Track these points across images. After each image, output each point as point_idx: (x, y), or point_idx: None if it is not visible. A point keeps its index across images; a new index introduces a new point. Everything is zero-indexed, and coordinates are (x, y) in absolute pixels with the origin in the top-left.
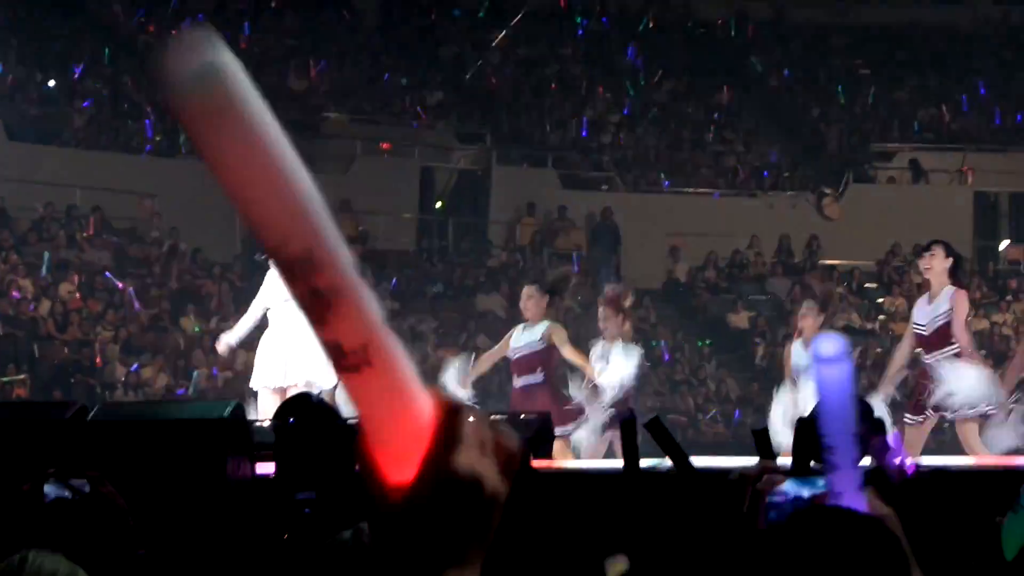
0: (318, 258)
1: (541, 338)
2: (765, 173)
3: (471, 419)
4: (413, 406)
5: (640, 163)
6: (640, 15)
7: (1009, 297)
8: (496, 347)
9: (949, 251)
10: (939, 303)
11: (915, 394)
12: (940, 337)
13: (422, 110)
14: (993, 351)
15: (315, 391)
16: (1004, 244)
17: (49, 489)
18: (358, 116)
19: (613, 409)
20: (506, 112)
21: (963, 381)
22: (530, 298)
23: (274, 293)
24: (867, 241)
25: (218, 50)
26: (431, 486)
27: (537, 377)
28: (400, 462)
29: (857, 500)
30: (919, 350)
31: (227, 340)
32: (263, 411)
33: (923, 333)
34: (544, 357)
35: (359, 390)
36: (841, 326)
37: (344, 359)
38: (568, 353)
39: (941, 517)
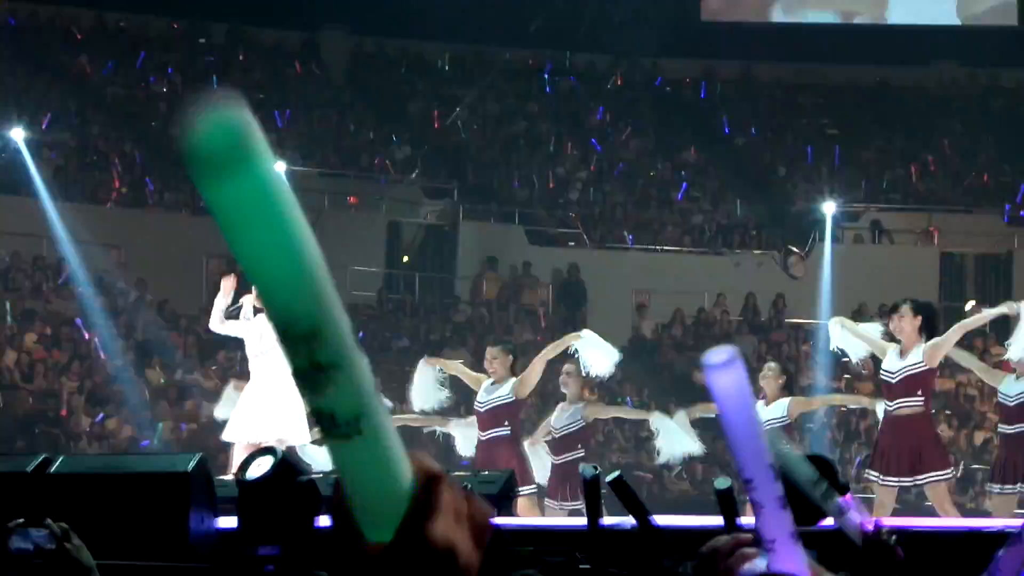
0: (324, 335)
1: (510, 392)
2: (732, 231)
3: (448, 488)
4: (395, 473)
5: (607, 220)
6: (608, 73)
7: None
8: (468, 372)
9: (917, 309)
10: (912, 356)
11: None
12: (906, 388)
13: (390, 164)
14: (959, 411)
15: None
16: (970, 304)
17: (14, 541)
18: (326, 170)
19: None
20: (473, 167)
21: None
22: (495, 359)
23: (253, 344)
24: (833, 300)
25: (237, 108)
26: (407, 552)
27: (504, 430)
28: (378, 525)
29: (792, 554)
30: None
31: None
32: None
33: (891, 381)
34: (512, 410)
35: (345, 458)
36: (807, 385)
37: (335, 429)
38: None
39: None
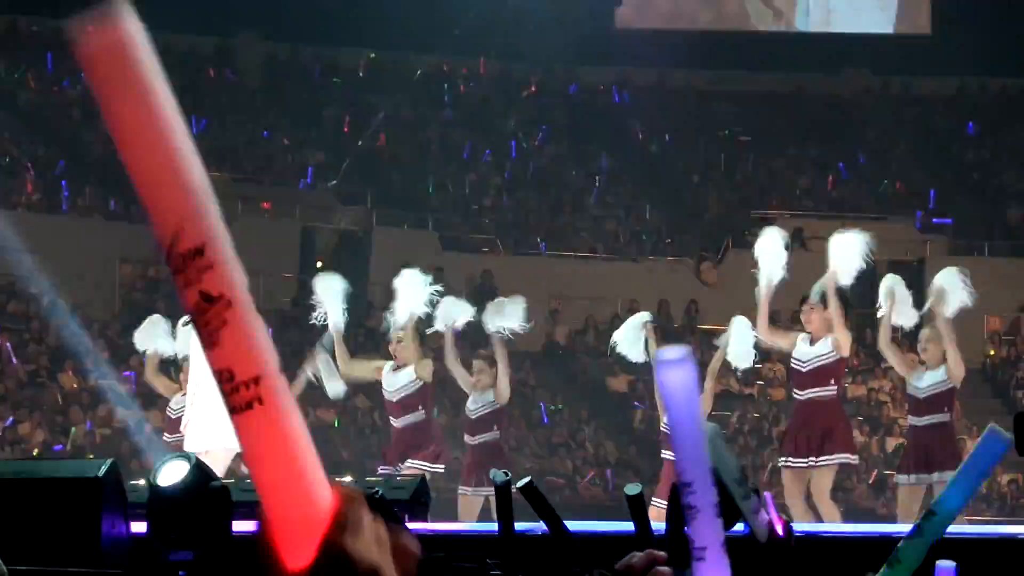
0: (211, 257)
1: (416, 377)
2: (645, 237)
3: (367, 511)
4: (308, 476)
5: (520, 226)
6: (523, 80)
7: (885, 364)
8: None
9: (825, 302)
10: (822, 345)
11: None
12: (816, 377)
13: (307, 171)
14: (869, 418)
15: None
16: (882, 311)
17: None
18: (239, 175)
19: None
20: (388, 174)
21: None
22: (399, 342)
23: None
24: (746, 307)
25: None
26: (329, 573)
27: (420, 415)
28: (296, 545)
29: (721, 564)
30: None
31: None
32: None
33: (800, 369)
34: (423, 394)
35: (252, 437)
36: (719, 391)
37: (235, 392)
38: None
39: None
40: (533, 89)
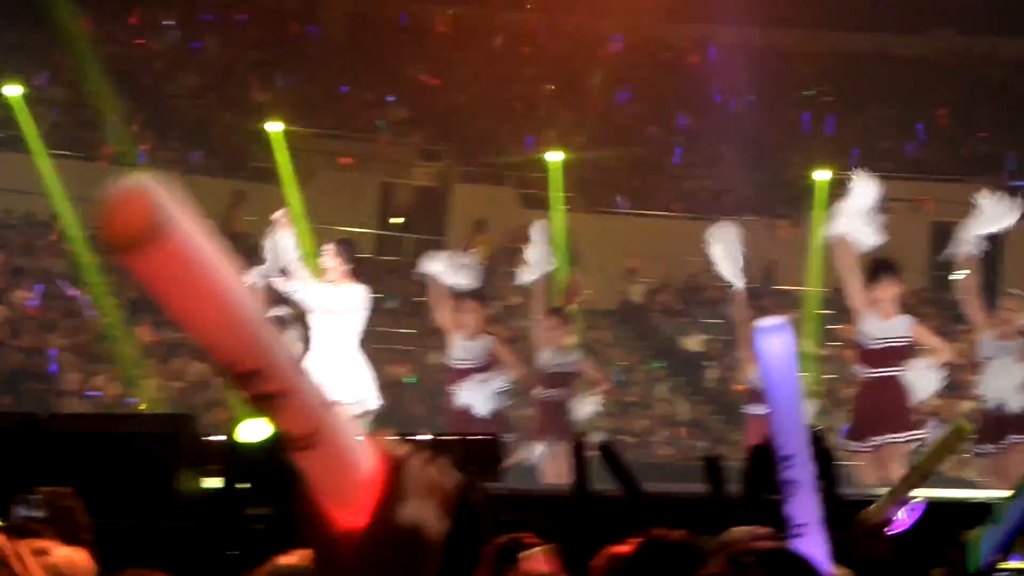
0: (266, 372)
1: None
2: (725, 197)
3: (413, 465)
4: (359, 466)
5: (598, 184)
6: (605, 37)
7: (961, 326)
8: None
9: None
10: (895, 325)
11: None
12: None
13: (385, 125)
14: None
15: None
16: (961, 274)
17: (15, 511)
18: (320, 131)
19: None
20: (468, 130)
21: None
22: (472, 311)
23: (316, 315)
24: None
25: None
26: (379, 540)
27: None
28: (347, 512)
29: (819, 541)
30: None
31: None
32: None
33: (875, 348)
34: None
35: (309, 464)
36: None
37: (295, 443)
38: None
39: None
40: (615, 47)
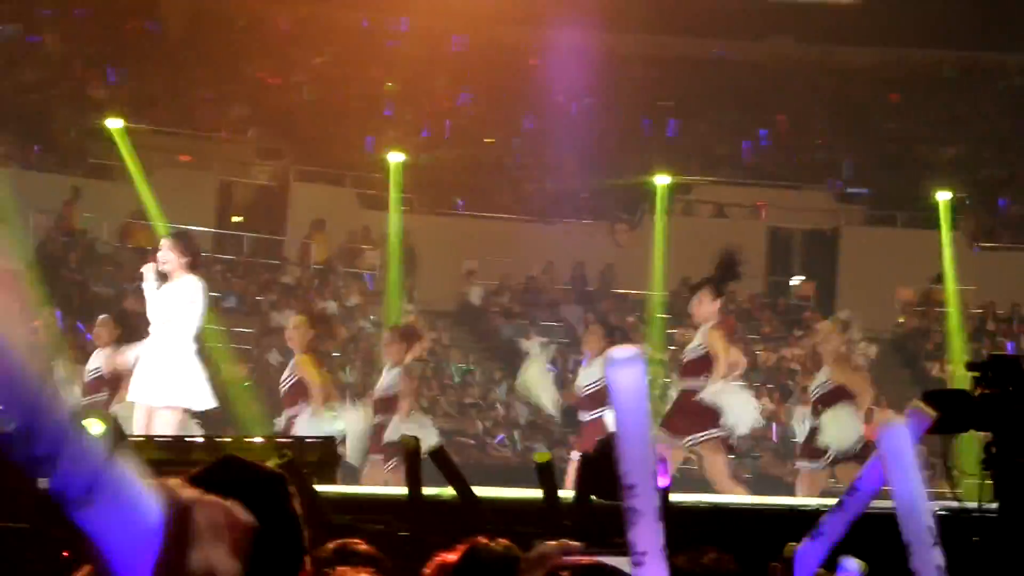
0: (36, 433)
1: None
2: (564, 200)
3: (202, 508)
4: (139, 516)
5: (438, 185)
6: (446, 38)
7: (799, 332)
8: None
9: (717, 292)
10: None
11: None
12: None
13: (224, 123)
14: (781, 384)
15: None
16: (796, 280)
17: None
18: (158, 127)
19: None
20: (307, 129)
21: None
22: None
23: (155, 313)
24: (662, 272)
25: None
26: None
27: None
28: (133, 565)
29: (660, 569)
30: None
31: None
32: (138, 426)
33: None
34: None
35: (89, 522)
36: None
37: (72, 503)
38: None
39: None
40: (457, 48)
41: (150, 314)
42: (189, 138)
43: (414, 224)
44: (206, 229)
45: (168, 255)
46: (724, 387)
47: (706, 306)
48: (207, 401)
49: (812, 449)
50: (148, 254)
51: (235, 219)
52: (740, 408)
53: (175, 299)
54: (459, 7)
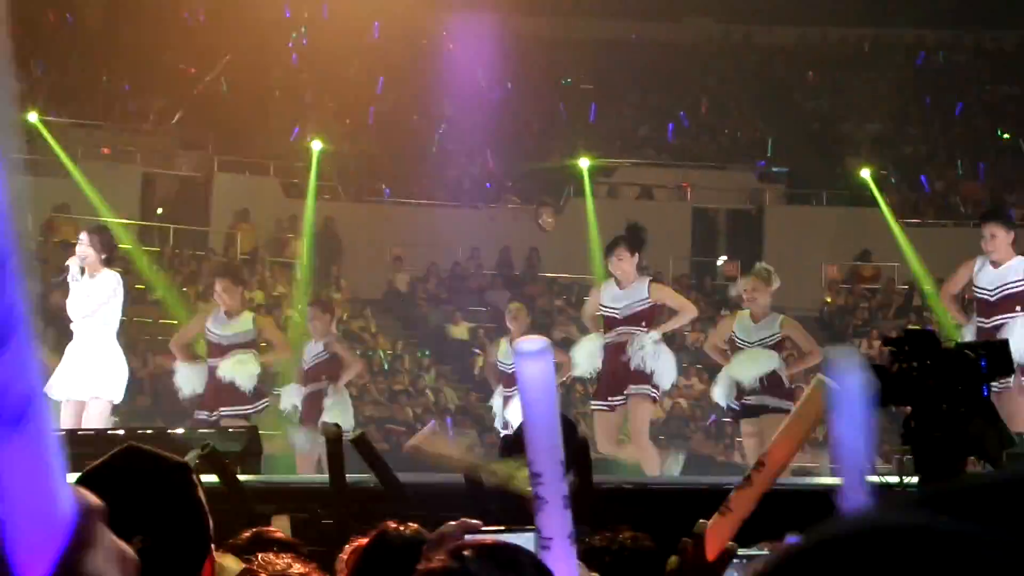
0: None
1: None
2: (488, 185)
3: (101, 524)
4: (57, 497)
5: (362, 173)
6: (364, 25)
7: (724, 311)
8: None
9: (633, 247)
10: (635, 290)
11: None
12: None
13: (145, 115)
14: (708, 364)
15: (103, 403)
16: (721, 260)
17: None
18: (80, 120)
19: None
20: (229, 119)
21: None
22: (225, 291)
23: (79, 306)
24: (587, 255)
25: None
26: None
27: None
28: (34, 559)
29: (567, 554)
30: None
31: None
32: (64, 423)
33: (616, 316)
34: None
35: (11, 458)
36: (560, 339)
37: (4, 409)
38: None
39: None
40: (375, 35)
41: (71, 309)
42: (110, 131)
43: (339, 212)
44: (130, 222)
45: (87, 250)
46: (654, 348)
47: (627, 262)
48: (119, 394)
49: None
50: (72, 248)
51: (159, 211)
52: (665, 365)
53: (95, 294)
54: None
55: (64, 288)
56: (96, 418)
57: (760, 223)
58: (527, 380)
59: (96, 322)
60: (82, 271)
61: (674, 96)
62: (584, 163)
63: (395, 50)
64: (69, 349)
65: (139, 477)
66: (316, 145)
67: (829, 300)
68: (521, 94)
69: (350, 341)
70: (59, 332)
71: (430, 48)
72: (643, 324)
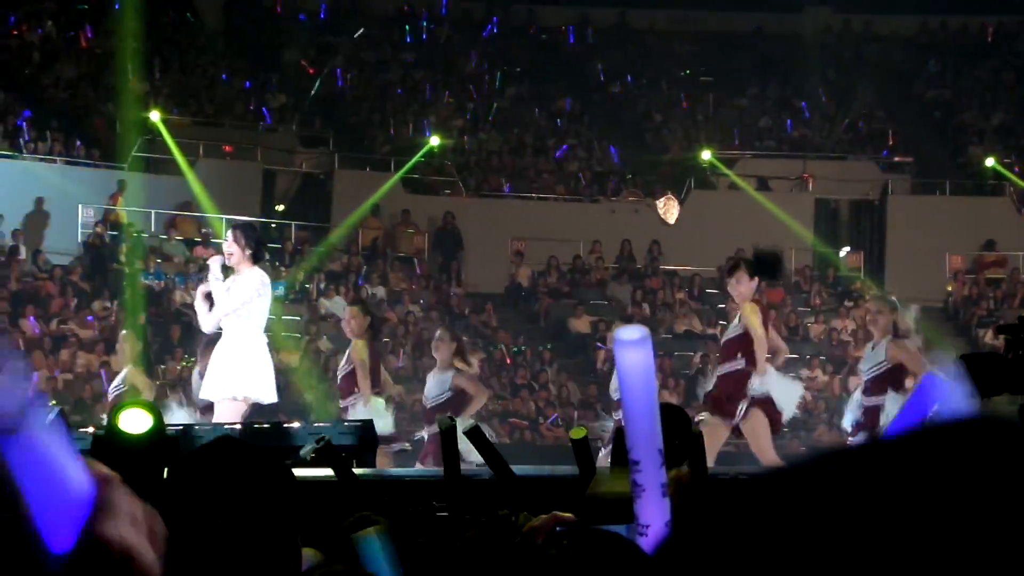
0: None
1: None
2: (607, 178)
3: (125, 493)
4: (71, 477)
5: (482, 168)
6: (484, 20)
7: (848, 303)
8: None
9: (754, 270)
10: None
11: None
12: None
13: (267, 112)
14: (832, 356)
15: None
16: (844, 251)
17: None
18: (200, 119)
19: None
20: (349, 116)
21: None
22: (353, 318)
23: (223, 303)
24: (708, 247)
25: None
26: (89, 557)
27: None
28: (59, 532)
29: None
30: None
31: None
32: (222, 418)
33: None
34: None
35: (19, 457)
36: (682, 331)
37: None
38: None
39: None
40: (495, 30)
41: (208, 307)
42: (231, 129)
43: (460, 207)
44: (252, 219)
45: (232, 247)
46: (769, 376)
47: (744, 285)
48: (272, 395)
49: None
50: (195, 245)
51: (280, 208)
52: (786, 394)
53: (239, 292)
54: None
55: (190, 285)
56: (229, 416)
57: (883, 213)
58: (626, 368)
59: (242, 320)
60: (223, 268)
61: (794, 87)
62: (705, 155)
63: (513, 45)
64: (218, 349)
65: (230, 468)
66: (435, 140)
67: (952, 290)
68: (640, 87)
69: (471, 336)
70: (183, 330)
71: (548, 42)
72: (738, 355)
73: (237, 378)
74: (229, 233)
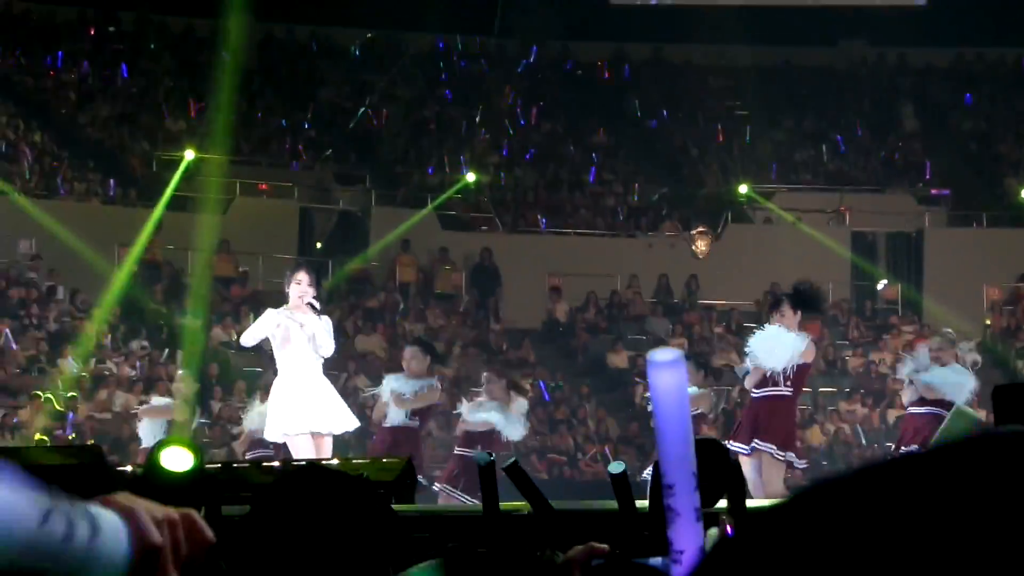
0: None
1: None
2: (643, 213)
3: (151, 528)
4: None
5: (519, 204)
6: (519, 56)
7: (886, 335)
8: None
9: (796, 303)
10: None
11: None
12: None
13: (301, 150)
14: (871, 389)
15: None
16: (881, 284)
17: None
18: (235, 157)
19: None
20: (385, 153)
21: None
22: (413, 358)
23: (276, 336)
24: (745, 281)
25: None
26: None
27: (414, 420)
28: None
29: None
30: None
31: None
32: (299, 454)
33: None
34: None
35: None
36: (720, 365)
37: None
38: None
39: None
40: (529, 66)
41: (273, 341)
42: (267, 167)
43: (496, 243)
44: (290, 257)
45: (307, 289)
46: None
47: (788, 319)
48: (351, 421)
49: None
50: (232, 284)
51: (318, 245)
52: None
53: (323, 329)
54: (524, 25)
55: (227, 324)
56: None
57: (920, 245)
58: (659, 390)
59: (318, 357)
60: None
61: (829, 120)
62: (742, 189)
63: (548, 81)
64: (277, 385)
65: (318, 493)
66: (471, 176)
67: (990, 322)
68: (675, 121)
69: (510, 371)
70: (221, 368)
71: (583, 77)
72: (787, 383)
73: (328, 412)
74: (302, 275)
